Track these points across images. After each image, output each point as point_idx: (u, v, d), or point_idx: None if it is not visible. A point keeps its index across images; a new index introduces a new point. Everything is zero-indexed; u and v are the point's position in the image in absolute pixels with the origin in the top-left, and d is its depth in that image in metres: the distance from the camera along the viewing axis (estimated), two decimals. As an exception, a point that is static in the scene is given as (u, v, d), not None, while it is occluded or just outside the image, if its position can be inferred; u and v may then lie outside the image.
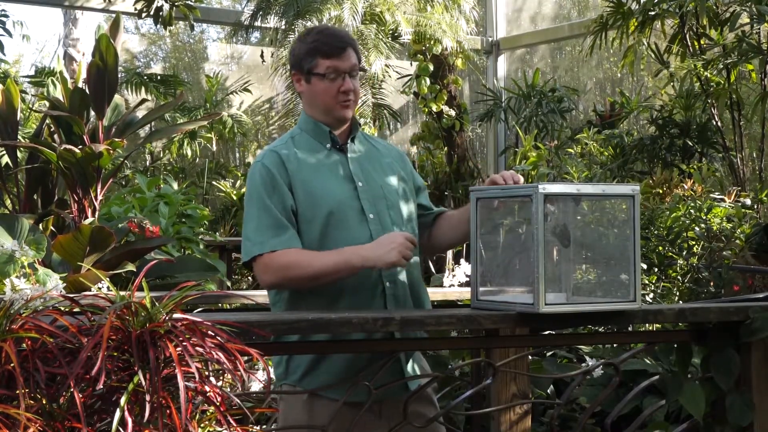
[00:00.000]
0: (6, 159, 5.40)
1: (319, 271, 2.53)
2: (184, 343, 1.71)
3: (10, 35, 7.30)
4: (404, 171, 2.80)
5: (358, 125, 2.77)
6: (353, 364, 2.52)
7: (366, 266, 2.52)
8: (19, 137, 5.23)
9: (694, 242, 5.50)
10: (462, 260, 5.01)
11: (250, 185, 2.65)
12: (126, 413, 1.66)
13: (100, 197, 4.96)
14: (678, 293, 5.31)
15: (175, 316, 1.79)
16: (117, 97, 5.24)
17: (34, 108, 8.16)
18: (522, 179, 2.57)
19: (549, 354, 4.81)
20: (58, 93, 5.26)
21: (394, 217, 2.67)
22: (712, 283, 5.21)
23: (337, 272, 2.53)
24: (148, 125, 7.07)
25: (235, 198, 9.78)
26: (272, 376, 2.68)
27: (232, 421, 1.77)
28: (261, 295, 4.24)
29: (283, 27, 9.11)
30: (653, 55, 7.91)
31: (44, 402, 1.70)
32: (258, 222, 2.59)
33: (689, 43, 7.54)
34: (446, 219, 2.81)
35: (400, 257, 2.47)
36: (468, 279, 4.47)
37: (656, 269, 5.44)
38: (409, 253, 2.49)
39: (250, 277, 9.15)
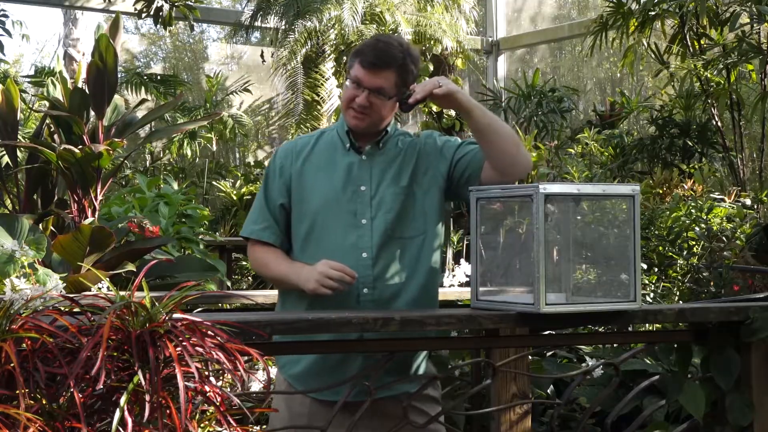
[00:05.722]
0: (6, 159, 5.39)
1: (273, 277, 2.72)
2: (184, 343, 1.71)
3: (10, 35, 7.28)
4: (426, 161, 2.72)
5: (386, 133, 2.70)
6: (324, 358, 2.60)
7: (299, 286, 2.60)
8: (19, 137, 5.22)
9: (694, 242, 5.50)
10: (462, 260, 5.00)
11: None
12: (126, 413, 1.66)
13: (100, 197, 4.96)
14: (678, 293, 5.31)
15: (175, 316, 1.78)
16: (117, 97, 5.23)
17: (34, 108, 8.14)
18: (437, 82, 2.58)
19: (549, 354, 4.80)
20: (58, 93, 5.25)
21: (393, 223, 2.64)
22: (712, 283, 5.21)
23: (285, 283, 2.68)
24: (148, 125, 7.06)
25: (235, 198, 9.78)
26: (272, 376, 2.71)
27: (232, 421, 1.77)
28: (261, 295, 4.24)
29: (283, 27, 9.12)
30: (653, 55, 7.91)
31: (44, 402, 1.70)
32: (254, 205, 2.77)
33: (689, 43, 7.54)
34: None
35: (317, 286, 2.54)
36: (468, 279, 4.46)
37: (656, 269, 5.44)
38: (330, 282, 2.52)
39: (250, 277, 9.15)
